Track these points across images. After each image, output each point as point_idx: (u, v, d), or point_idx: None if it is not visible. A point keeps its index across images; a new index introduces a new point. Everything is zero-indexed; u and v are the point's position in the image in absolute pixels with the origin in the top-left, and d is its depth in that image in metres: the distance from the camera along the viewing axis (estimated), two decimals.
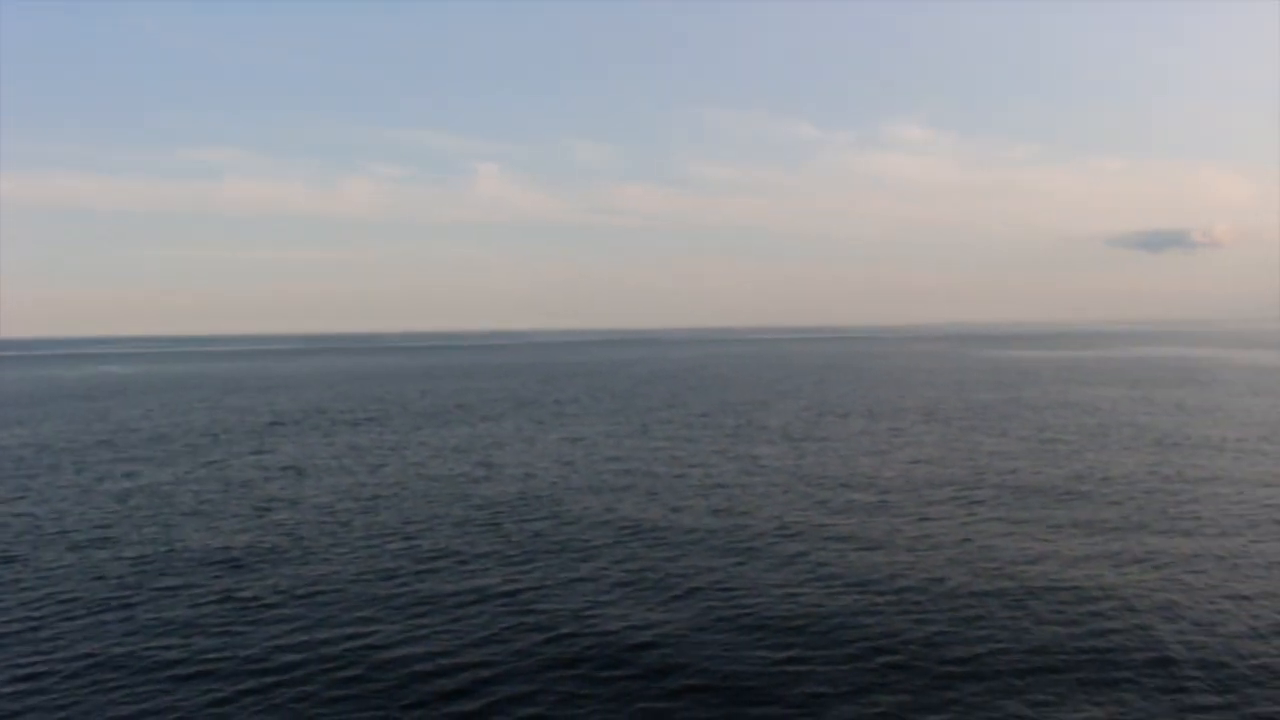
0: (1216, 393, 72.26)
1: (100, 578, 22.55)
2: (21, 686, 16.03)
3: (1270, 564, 22.68)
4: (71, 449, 46.98)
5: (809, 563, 23.19)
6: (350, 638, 18.15)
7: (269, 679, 16.18)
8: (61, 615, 19.77)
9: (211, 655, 17.29)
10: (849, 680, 15.85)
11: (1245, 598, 20.07)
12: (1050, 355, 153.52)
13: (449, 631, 18.44)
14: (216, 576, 22.58)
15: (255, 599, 20.73)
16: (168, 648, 17.70)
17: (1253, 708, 14.74)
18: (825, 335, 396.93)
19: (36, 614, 19.86)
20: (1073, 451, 41.23)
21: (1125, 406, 61.71)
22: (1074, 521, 27.49)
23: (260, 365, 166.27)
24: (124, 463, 41.76)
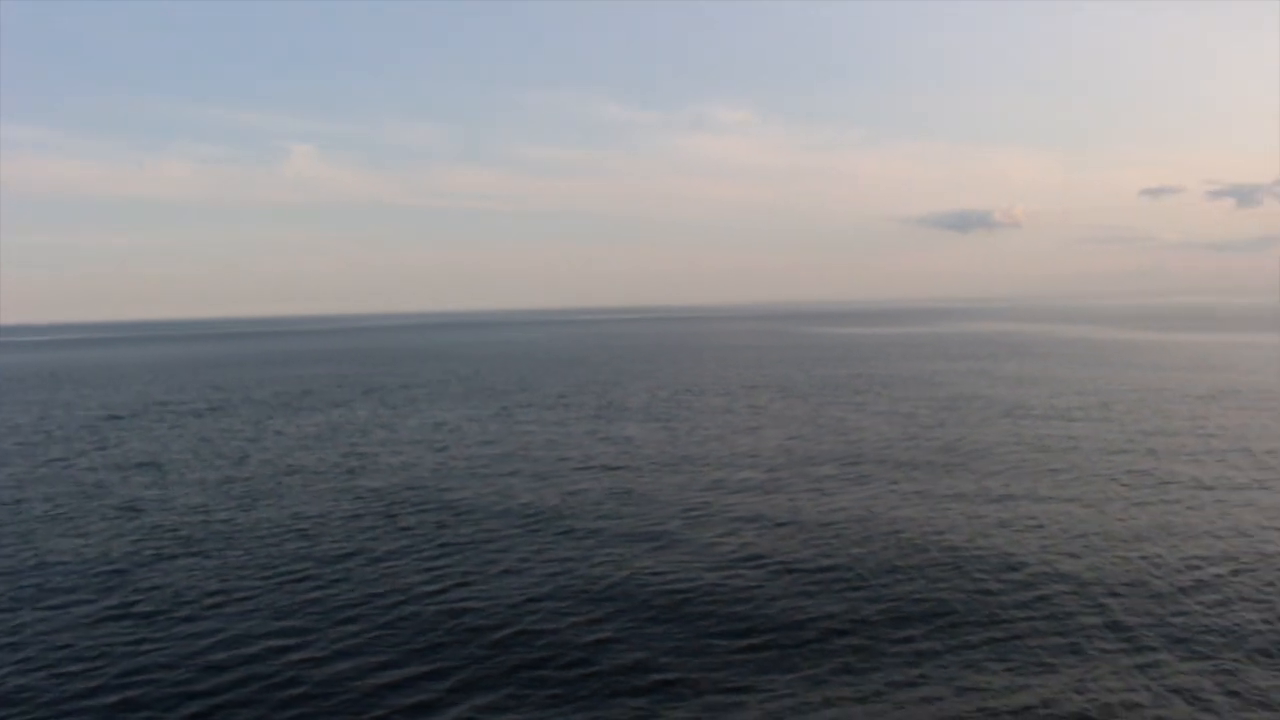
0: (1048, 365, 76.69)
1: None
2: None
3: (1143, 523, 24.07)
4: None
5: (731, 544, 23.15)
6: (281, 651, 16.85)
7: (198, 704, 14.91)
8: None
9: (127, 682, 15.79)
10: (785, 658, 15.87)
11: (1123, 554, 21.26)
12: (883, 332, 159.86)
13: (388, 637, 17.44)
14: (106, 590, 20.69)
15: (158, 613, 19.08)
16: (69, 677, 16.02)
17: (1139, 652, 15.61)
18: (659, 316, 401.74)
19: None
20: (936, 424, 42.87)
21: (969, 380, 64.72)
22: (960, 492, 28.53)
23: (63, 356, 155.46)
24: None
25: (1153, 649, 16.02)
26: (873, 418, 45.59)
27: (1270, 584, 19.29)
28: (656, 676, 15.51)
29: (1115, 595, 18.80)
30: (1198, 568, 20.43)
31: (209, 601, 19.68)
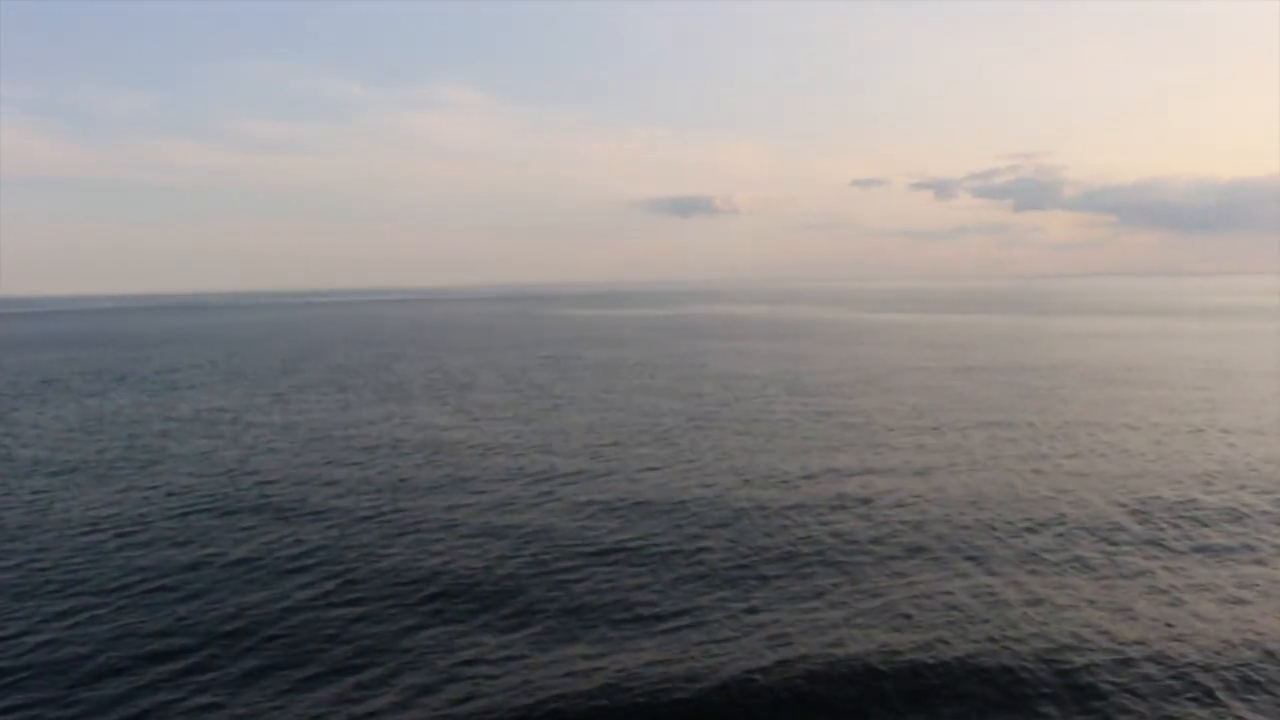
0: (800, 344, 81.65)
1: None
2: None
3: (933, 481, 26.67)
4: None
5: (617, 522, 23.66)
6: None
7: None
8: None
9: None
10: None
11: (935, 499, 23.60)
12: (630, 314, 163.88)
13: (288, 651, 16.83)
14: None
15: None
16: None
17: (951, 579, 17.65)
18: (395, 298, 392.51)
19: None
20: (734, 399, 45.31)
21: (733, 359, 68.17)
22: (793, 449, 30.76)
23: None
24: None
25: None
26: (669, 397, 47.17)
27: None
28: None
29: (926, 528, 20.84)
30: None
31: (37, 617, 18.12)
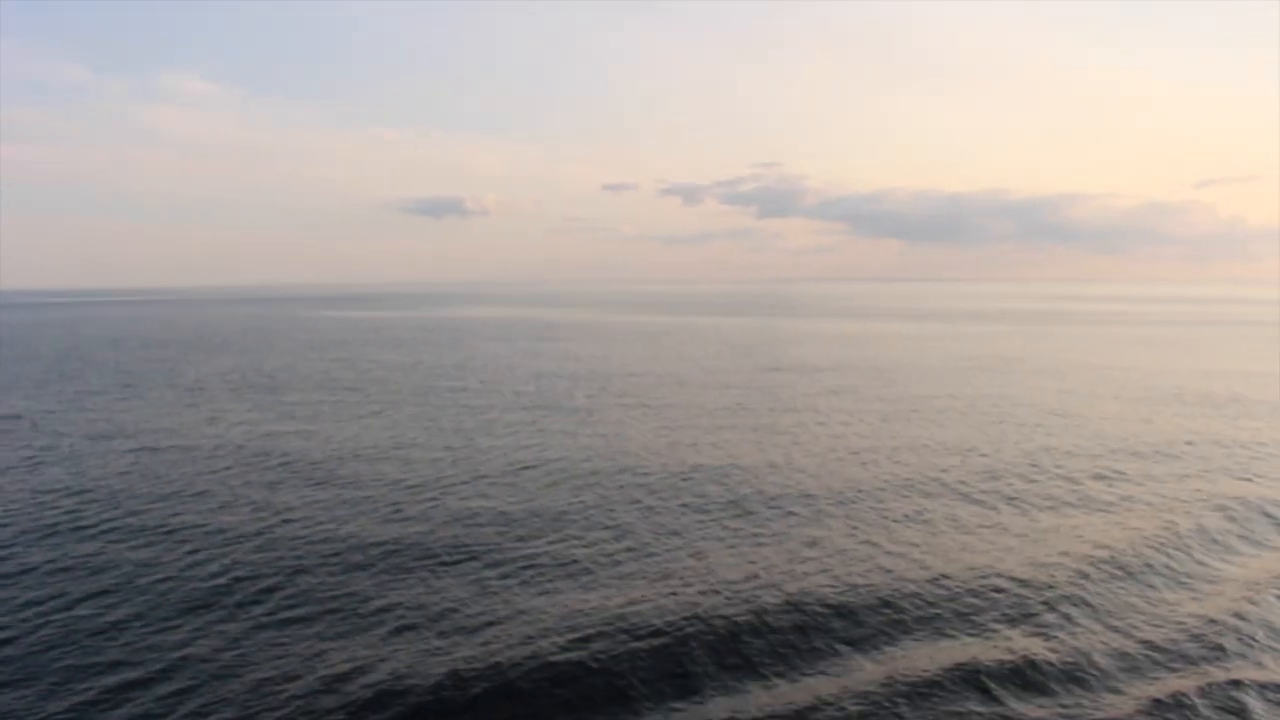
0: (589, 346, 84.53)
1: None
2: None
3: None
4: None
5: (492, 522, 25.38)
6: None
7: None
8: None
9: None
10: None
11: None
12: (395, 316, 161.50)
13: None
14: None
15: None
16: None
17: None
18: (132, 299, 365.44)
19: None
20: (565, 393, 47.43)
21: (532, 359, 70.32)
22: (656, 431, 33.28)
23: None
24: None
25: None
26: (484, 395, 48.82)
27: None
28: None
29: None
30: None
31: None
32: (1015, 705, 14.52)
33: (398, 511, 25.00)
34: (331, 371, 62.62)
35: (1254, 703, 14.51)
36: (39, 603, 18.24)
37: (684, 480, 28.78)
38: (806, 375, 58.90)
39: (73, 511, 25.01)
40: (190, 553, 21.41)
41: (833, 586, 19.14)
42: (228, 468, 30.81)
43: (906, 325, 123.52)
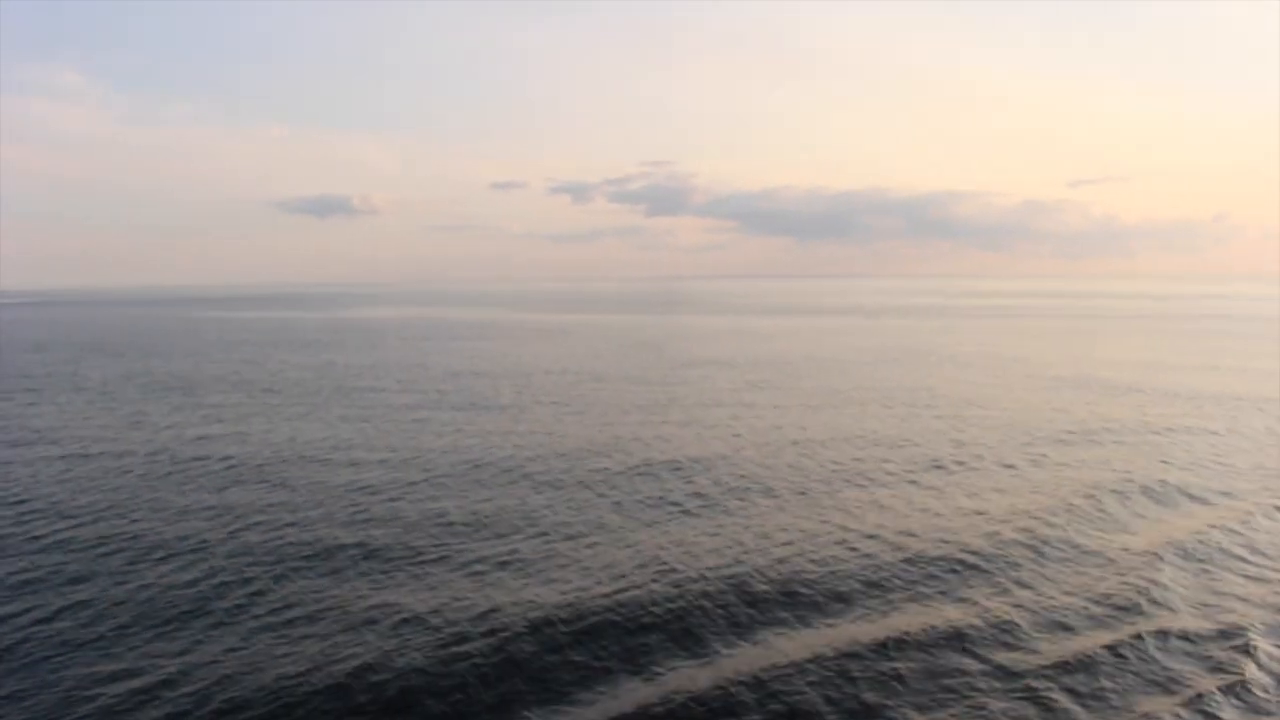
0: (500, 344, 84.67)
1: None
2: None
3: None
4: None
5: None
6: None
7: None
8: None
9: None
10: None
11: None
12: (289, 317, 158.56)
13: None
14: None
15: None
16: None
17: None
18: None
19: None
20: (489, 392, 47.63)
21: (447, 358, 70.07)
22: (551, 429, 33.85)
23: None
24: None
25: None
26: (405, 394, 48.80)
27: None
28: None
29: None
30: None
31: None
32: (946, 664, 15.85)
33: (359, 512, 25.10)
34: (243, 373, 61.52)
35: (1160, 655, 16.11)
36: (15, 616, 18.00)
37: (623, 474, 29.64)
38: (724, 370, 60.35)
39: (20, 524, 24.43)
40: (162, 560, 21.25)
41: (774, 568, 20.42)
42: (169, 473, 30.27)
43: (809, 320, 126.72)
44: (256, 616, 17.91)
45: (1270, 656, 16.06)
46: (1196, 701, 14.53)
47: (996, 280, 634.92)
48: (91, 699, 14.59)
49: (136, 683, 15.07)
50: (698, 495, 26.92)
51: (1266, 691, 14.84)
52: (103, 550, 21.96)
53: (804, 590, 19.16)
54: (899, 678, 15.43)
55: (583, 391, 50.04)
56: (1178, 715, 14.18)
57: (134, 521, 24.40)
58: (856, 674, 15.51)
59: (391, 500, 26.54)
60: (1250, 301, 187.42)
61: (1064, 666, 15.74)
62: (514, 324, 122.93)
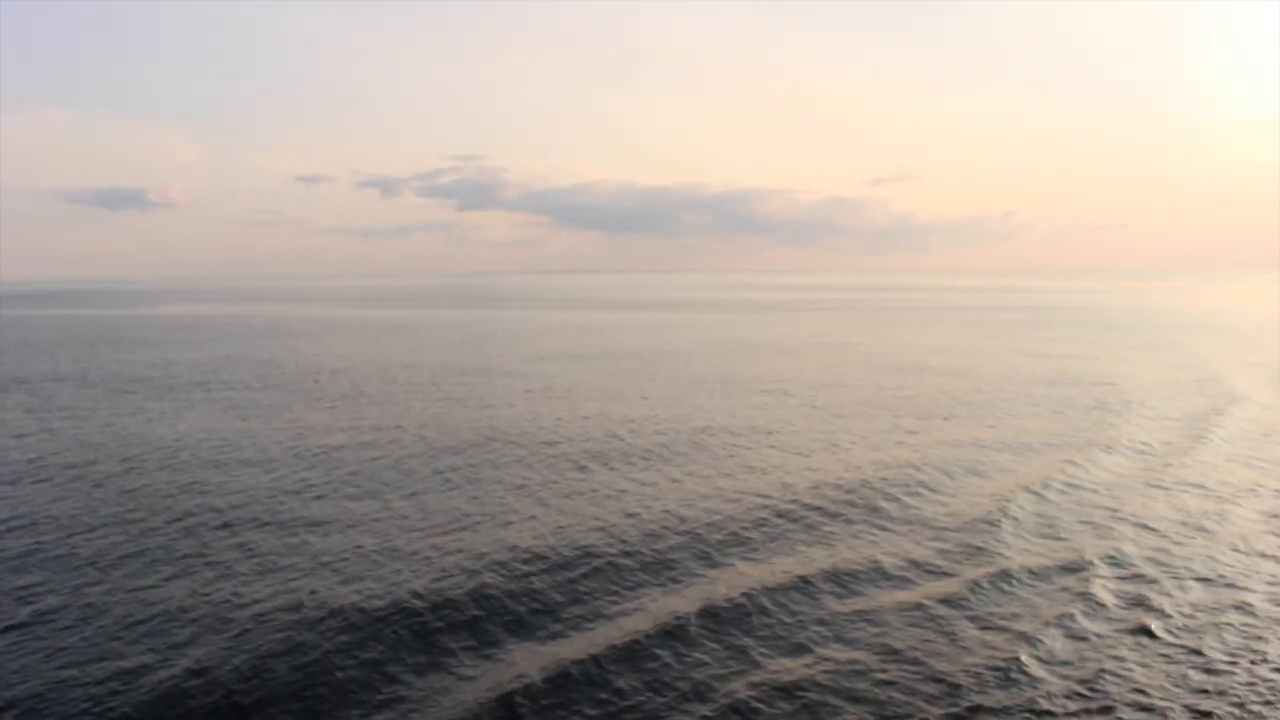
0: (344, 342, 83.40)
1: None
2: None
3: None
4: None
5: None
6: None
7: None
8: None
9: None
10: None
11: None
12: (94, 315, 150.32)
13: None
14: None
15: None
16: None
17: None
18: None
19: None
20: (356, 386, 47.56)
21: (292, 355, 69.08)
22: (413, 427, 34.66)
23: None
24: None
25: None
26: (265, 392, 48.17)
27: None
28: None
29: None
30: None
31: None
32: (800, 610, 17.70)
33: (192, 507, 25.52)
34: (87, 373, 58.68)
35: (998, 596, 18.50)
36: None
37: (486, 462, 30.80)
38: (576, 363, 62.12)
39: None
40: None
41: (629, 531, 22.69)
42: (49, 475, 29.54)
43: (639, 314, 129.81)
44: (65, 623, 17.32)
45: (1097, 590, 18.86)
46: (1032, 635, 16.49)
47: (806, 275, 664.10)
48: None
49: None
50: (561, 476, 28.80)
51: (1092, 622, 17.09)
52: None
53: (657, 554, 20.91)
54: (752, 630, 16.83)
55: (451, 383, 50.83)
56: (1016, 648, 15.99)
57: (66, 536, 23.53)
58: (715, 628, 16.90)
59: (318, 497, 26.94)
60: (1039, 295, 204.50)
61: (910, 609, 17.71)
62: (348, 320, 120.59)
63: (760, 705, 14.19)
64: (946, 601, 18.09)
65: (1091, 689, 14.48)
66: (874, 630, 16.81)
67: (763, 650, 16.01)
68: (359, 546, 21.48)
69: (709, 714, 13.97)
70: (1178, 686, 14.60)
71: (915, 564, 20.34)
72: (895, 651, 15.91)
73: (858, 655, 15.78)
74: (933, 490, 26.81)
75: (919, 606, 17.86)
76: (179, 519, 23.96)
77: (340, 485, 27.39)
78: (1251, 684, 14.63)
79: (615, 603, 18.22)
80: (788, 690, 14.61)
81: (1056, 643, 16.15)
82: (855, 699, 14.35)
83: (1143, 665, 15.29)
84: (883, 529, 22.94)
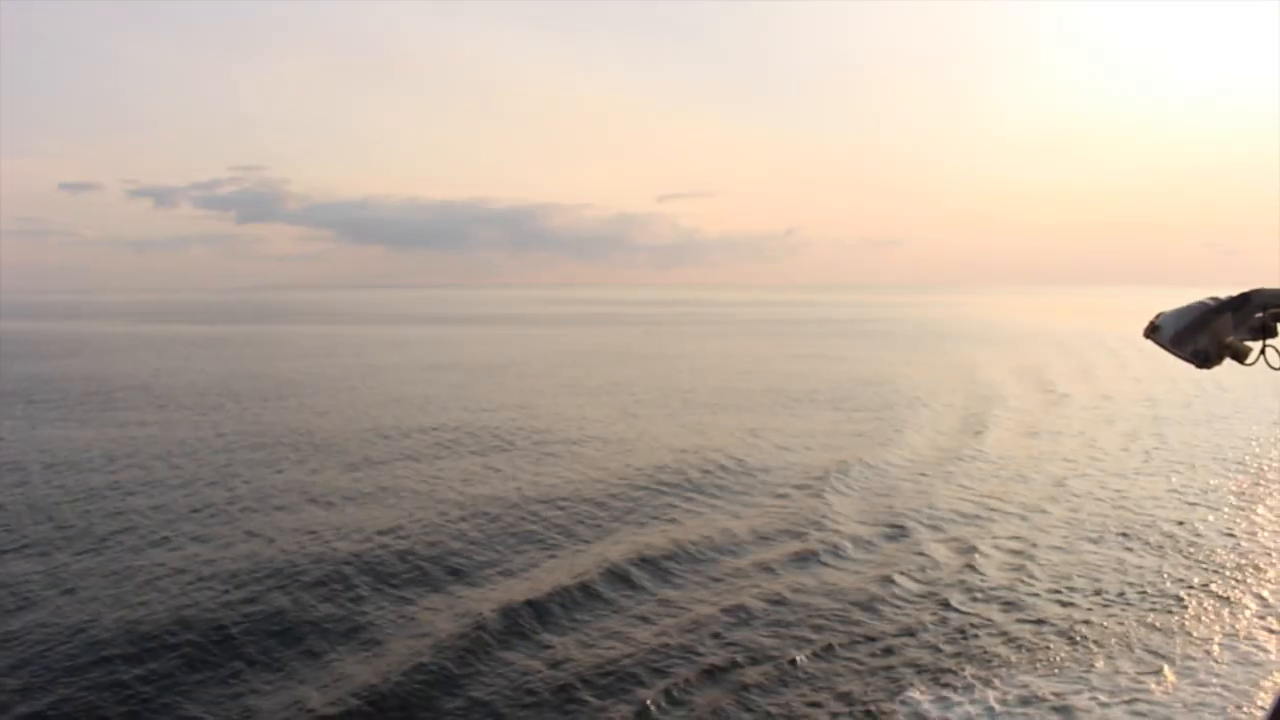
0: (164, 360, 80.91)
1: None
2: None
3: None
4: None
5: None
6: None
7: None
8: None
9: None
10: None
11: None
12: None
13: None
14: None
15: None
16: None
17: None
18: None
19: None
20: (211, 399, 47.55)
21: (129, 371, 66.92)
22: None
23: None
24: None
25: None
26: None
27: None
28: None
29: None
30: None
31: None
32: (650, 587, 20.02)
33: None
34: None
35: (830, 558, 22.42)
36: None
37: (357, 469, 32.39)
38: (424, 373, 63.34)
39: None
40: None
41: (504, 511, 25.62)
42: None
43: (449, 329, 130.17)
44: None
45: (913, 546, 23.23)
46: (862, 586, 19.86)
47: (598, 289, 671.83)
48: None
49: None
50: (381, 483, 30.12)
51: (911, 580, 20.76)
52: None
53: (502, 541, 23.24)
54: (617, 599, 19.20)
55: (300, 399, 50.82)
56: (855, 594, 19.39)
57: None
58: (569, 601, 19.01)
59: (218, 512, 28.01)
60: (821, 308, 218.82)
61: (755, 570, 20.87)
62: (152, 336, 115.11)
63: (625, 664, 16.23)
64: (791, 561, 21.78)
65: (918, 623, 18.13)
66: (724, 589, 19.93)
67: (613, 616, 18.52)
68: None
69: (577, 677, 15.76)
70: (986, 605, 18.98)
71: (755, 531, 24.01)
72: (746, 608, 18.75)
73: (712, 611, 18.52)
74: (760, 470, 31.38)
75: (766, 567, 21.31)
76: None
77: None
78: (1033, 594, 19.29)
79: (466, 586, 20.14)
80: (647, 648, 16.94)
81: (886, 588, 20.04)
82: (722, 643, 17.08)
83: (964, 602, 19.26)
84: (717, 505, 26.74)
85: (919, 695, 15.09)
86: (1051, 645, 16.99)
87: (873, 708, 14.74)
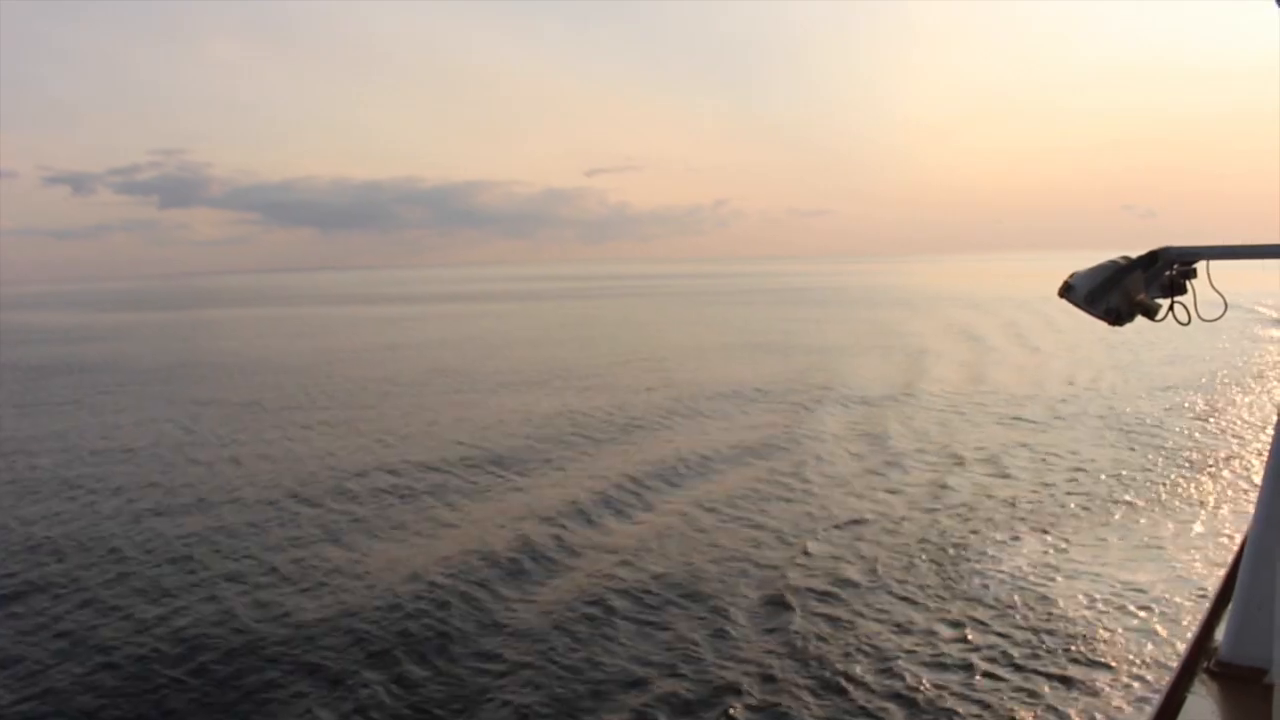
0: (119, 345, 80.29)
1: None
2: None
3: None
4: None
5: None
6: None
7: None
8: None
9: None
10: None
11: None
12: None
13: None
14: None
15: None
16: None
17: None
18: None
19: None
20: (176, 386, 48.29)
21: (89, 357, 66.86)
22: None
23: None
24: None
25: None
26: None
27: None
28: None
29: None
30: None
31: None
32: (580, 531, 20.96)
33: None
34: None
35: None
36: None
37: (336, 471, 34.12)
38: (386, 354, 63.54)
39: None
40: None
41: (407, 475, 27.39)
42: None
43: (395, 308, 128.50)
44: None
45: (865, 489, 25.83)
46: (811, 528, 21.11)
47: (529, 266, 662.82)
48: None
49: None
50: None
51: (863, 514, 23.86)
52: None
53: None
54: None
55: (250, 386, 51.24)
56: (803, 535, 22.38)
57: None
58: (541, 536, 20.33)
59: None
60: (751, 279, 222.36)
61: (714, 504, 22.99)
62: (103, 325, 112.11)
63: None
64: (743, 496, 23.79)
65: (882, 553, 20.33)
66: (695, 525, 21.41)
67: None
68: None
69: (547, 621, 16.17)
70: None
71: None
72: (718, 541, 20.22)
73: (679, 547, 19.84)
74: (721, 416, 34.36)
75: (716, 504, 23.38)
76: None
77: None
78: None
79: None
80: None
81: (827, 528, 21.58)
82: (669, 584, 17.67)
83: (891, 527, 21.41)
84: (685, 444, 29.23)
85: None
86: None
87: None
